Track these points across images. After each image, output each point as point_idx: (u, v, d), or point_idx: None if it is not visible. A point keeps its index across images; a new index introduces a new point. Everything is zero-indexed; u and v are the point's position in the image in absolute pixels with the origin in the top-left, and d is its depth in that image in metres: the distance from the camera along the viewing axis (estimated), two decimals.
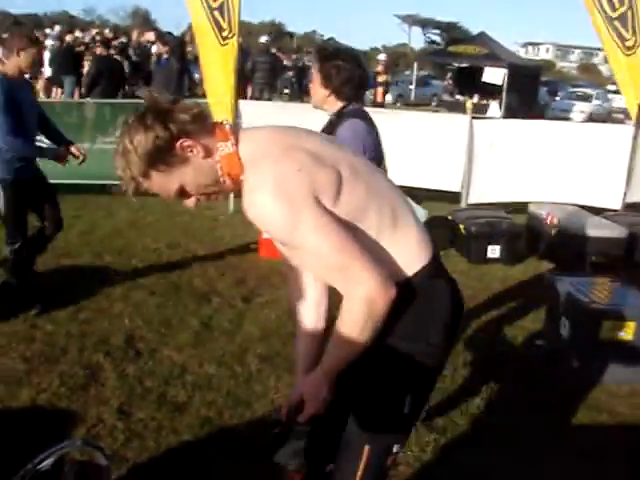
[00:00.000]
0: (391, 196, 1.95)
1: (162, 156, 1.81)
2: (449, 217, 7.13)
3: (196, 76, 18.09)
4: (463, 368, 4.35)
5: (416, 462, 3.31)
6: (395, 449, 2.03)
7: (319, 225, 1.74)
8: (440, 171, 8.43)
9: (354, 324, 1.81)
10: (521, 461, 3.36)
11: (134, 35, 22.48)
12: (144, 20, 61.39)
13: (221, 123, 1.91)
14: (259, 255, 6.50)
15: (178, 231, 7.34)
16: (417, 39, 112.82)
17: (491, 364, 4.46)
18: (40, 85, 21.34)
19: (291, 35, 67.37)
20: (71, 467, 2.67)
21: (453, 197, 8.49)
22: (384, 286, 1.75)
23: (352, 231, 1.81)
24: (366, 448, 2.00)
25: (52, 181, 8.45)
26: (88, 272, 5.95)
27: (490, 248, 6.68)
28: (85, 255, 6.40)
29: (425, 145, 8.42)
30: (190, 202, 1.93)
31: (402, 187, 6.94)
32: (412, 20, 63.72)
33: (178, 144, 1.81)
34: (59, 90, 18.65)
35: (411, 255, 1.92)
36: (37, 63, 4.96)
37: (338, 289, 1.82)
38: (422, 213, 6.49)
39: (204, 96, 9.05)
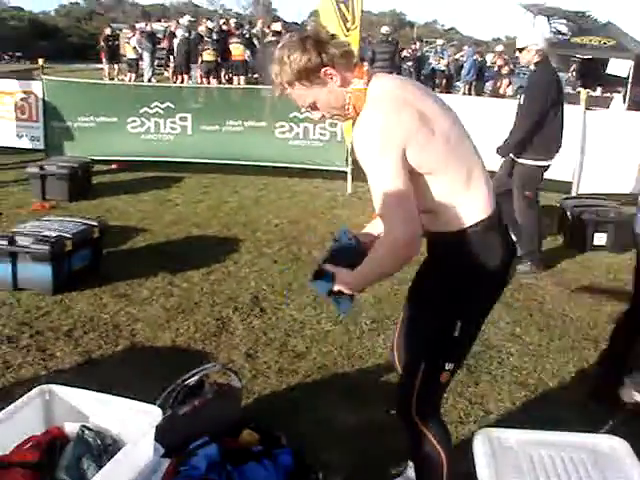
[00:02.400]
0: (471, 160, 2.34)
1: (308, 75, 2.26)
2: (557, 205, 7.33)
3: None
4: (559, 340, 4.65)
5: (505, 414, 3.68)
6: (447, 367, 2.43)
7: (393, 171, 2.14)
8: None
9: (379, 258, 2.25)
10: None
11: (259, 24, 23.24)
12: (265, 9, 62.51)
13: (362, 64, 2.35)
14: None
15: (299, 209, 7.88)
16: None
17: (587, 340, 4.72)
18: (170, 72, 22.61)
19: (411, 25, 67.20)
20: (211, 385, 3.21)
21: (565, 187, 8.63)
22: (410, 243, 2.15)
23: (423, 181, 2.23)
24: (422, 364, 2.43)
25: (181, 159, 9.26)
26: (217, 241, 6.56)
27: (597, 235, 6.85)
28: (214, 226, 7.02)
29: None
30: (316, 115, 2.40)
31: None
32: (537, 9, 62.08)
33: (323, 70, 2.26)
34: (185, 76, 19.73)
35: (476, 208, 2.31)
36: None
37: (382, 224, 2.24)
38: None
39: None
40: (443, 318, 2.39)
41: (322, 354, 4.23)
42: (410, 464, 2.94)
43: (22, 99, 9.48)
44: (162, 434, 2.79)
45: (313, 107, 2.37)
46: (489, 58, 23.88)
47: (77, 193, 7.87)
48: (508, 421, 3.57)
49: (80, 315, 4.68)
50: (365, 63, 2.39)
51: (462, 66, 23.31)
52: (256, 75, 19.79)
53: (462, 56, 24.52)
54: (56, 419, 2.74)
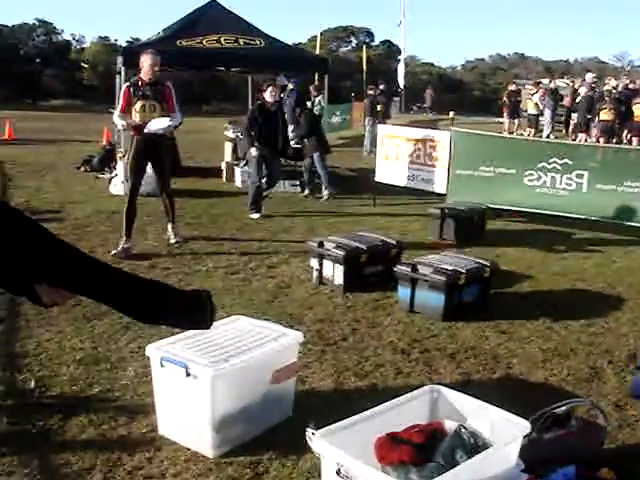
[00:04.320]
0: None
1: None
2: None
3: None
4: None
5: None
6: None
7: None
8: None
9: None
10: None
11: None
12: None
13: None
14: None
15: None
16: None
17: None
18: (570, 129, 22.72)
19: None
20: (577, 419, 3.45)
21: None
22: None
23: None
24: None
25: (574, 215, 9.32)
26: (600, 297, 6.63)
27: None
28: (599, 283, 7.08)
29: None
30: None
31: None
32: None
33: None
34: (584, 135, 19.66)
35: None
36: None
37: None
38: None
39: None
40: None
41: None
42: None
43: (432, 147, 10.45)
44: (525, 453, 3.12)
45: None
46: None
47: (471, 236, 8.51)
48: None
49: (464, 342, 5.21)
50: None
51: None
52: None
53: None
54: (439, 415, 3.23)
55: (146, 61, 7.46)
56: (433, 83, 43.69)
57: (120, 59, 12.08)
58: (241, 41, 12.51)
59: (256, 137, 9.70)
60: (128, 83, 7.73)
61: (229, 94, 41.51)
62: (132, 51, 11.24)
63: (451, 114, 10.71)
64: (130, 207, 7.60)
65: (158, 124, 7.33)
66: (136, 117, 7.42)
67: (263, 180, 9.93)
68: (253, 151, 9.70)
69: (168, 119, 7.40)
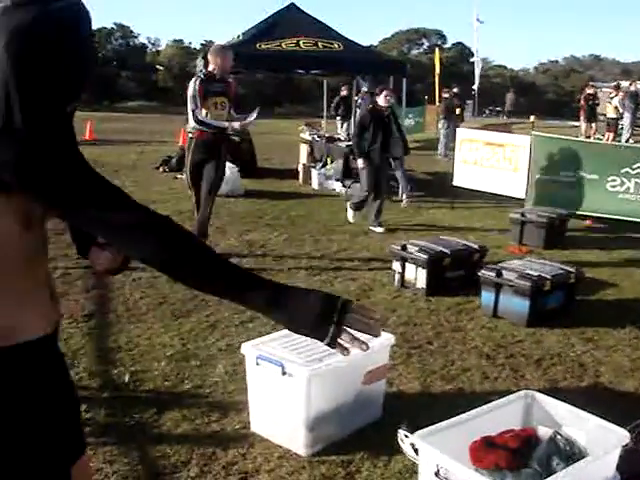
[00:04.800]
0: None
1: None
2: None
3: None
4: None
5: None
6: None
7: None
8: None
9: None
10: None
11: None
12: None
13: None
14: None
15: None
16: None
17: None
18: None
19: None
20: None
21: None
22: None
23: None
24: None
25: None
26: None
27: None
28: None
29: None
30: None
31: None
32: None
33: None
34: None
35: None
36: None
37: None
38: None
39: None
40: None
41: None
42: None
43: (511, 151, 10.32)
44: (623, 464, 3.09)
45: None
46: None
47: (551, 242, 8.39)
48: None
49: (549, 349, 5.16)
50: None
51: None
52: None
53: None
54: (532, 420, 3.23)
55: (224, 56, 7.09)
56: (506, 86, 43.21)
57: (201, 62, 12.31)
58: (320, 44, 12.64)
59: (368, 145, 9.02)
60: (199, 79, 7.08)
61: (300, 96, 41.89)
62: None
63: (532, 118, 10.57)
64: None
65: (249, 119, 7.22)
66: (208, 115, 7.02)
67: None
68: (360, 162, 9.08)
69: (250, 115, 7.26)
